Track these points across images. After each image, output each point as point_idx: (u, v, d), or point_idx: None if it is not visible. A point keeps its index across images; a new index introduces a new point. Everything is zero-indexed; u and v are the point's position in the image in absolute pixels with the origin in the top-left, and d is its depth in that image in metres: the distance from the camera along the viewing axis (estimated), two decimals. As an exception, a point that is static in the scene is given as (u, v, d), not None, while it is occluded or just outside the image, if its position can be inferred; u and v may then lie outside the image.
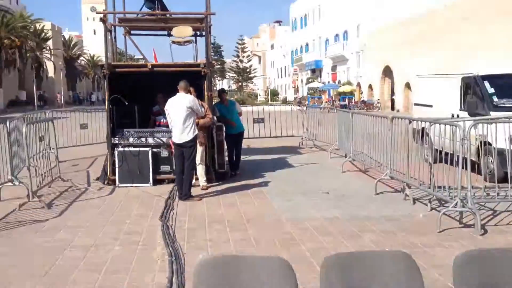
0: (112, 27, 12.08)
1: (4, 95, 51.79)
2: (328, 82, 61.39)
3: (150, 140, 10.20)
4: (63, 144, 14.84)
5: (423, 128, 10.43)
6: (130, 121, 10.85)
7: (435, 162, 7.78)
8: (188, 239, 6.39)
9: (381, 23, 48.21)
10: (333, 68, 62.42)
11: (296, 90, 75.55)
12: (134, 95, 10.77)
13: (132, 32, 13.73)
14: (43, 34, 63.43)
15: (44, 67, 63.14)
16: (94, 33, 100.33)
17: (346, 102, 49.59)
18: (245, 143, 16.26)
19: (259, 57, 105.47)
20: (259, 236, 6.48)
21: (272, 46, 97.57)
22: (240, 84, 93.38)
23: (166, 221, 7.16)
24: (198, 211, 7.90)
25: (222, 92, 11.88)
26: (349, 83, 54.77)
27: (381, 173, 9.53)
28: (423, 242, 6.09)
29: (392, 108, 45.36)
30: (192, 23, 11.82)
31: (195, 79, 10.25)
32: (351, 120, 11.52)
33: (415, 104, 13.69)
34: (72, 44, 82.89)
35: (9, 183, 8.55)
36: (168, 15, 12.18)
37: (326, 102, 48.88)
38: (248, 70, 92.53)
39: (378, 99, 47.63)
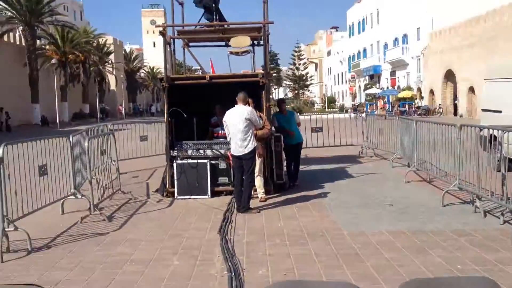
0: (171, 39, 12.17)
1: (69, 108, 53.67)
2: (387, 87, 60.18)
3: (208, 152, 10.16)
4: (123, 156, 15.08)
5: (492, 136, 9.90)
6: (188, 133, 10.88)
7: (508, 171, 7.32)
8: (247, 253, 6.25)
9: (442, 24, 46.91)
10: (392, 73, 61.16)
11: (354, 97, 74.54)
12: (192, 107, 10.79)
13: (191, 44, 13.86)
14: (106, 48, 65.47)
15: (106, 80, 65.08)
16: (154, 46, 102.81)
17: (406, 108, 48.37)
18: (303, 153, 16.13)
19: (316, 64, 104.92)
20: (320, 250, 6.25)
21: (329, 53, 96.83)
22: (296, 92, 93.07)
23: (224, 235, 7.05)
24: (257, 224, 7.75)
25: (281, 102, 11.74)
26: (409, 88, 53.44)
27: (447, 184, 9.11)
28: (498, 259, 5.69)
29: (455, 113, 43.91)
30: (250, 33, 11.75)
31: (253, 89, 10.17)
32: (415, 128, 11.10)
33: (483, 110, 13.07)
34: (133, 57, 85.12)
35: (72, 196, 8.68)
36: (226, 26, 12.17)
37: (381, 108, 47.73)
38: (304, 77, 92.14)
39: (440, 104, 46.24)
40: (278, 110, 11.47)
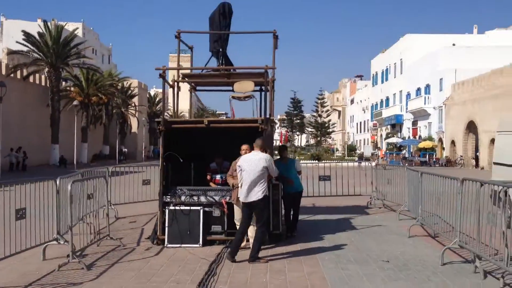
0: (175, 83, 12.03)
1: (88, 149, 54.11)
2: (408, 137, 59.57)
3: (202, 199, 9.81)
4: (125, 200, 14.88)
5: (506, 192, 9.36)
6: (186, 178, 10.60)
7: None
8: (221, 312, 5.80)
9: (465, 75, 46.60)
10: (414, 123, 60.62)
11: (375, 146, 73.88)
12: (191, 151, 10.55)
13: (198, 88, 13.74)
14: (130, 91, 66.47)
15: (128, 122, 65.78)
16: (180, 90, 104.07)
17: (427, 159, 47.61)
18: (310, 202, 15.71)
19: (339, 112, 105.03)
20: (299, 312, 5.78)
21: (352, 101, 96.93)
22: (318, 139, 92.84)
23: (202, 289, 6.62)
24: (242, 277, 7.31)
25: (283, 149, 11.42)
26: (430, 138, 52.73)
27: (450, 240, 8.56)
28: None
29: (477, 165, 43.00)
30: (256, 78, 11.58)
31: (253, 135, 9.88)
32: (419, 180, 10.63)
33: (494, 163, 12.55)
34: (156, 100, 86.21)
35: (54, 242, 8.37)
36: (231, 70, 12.02)
37: (382, 158, 46.93)
38: (326, 125, 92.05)
39: (461, 156, 45.38)
40: (279, 157, 11.14)
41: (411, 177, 11.81)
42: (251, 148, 9.27)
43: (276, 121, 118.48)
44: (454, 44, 55.14)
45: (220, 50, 12.01)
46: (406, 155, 52.84)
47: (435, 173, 9.87)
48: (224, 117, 61.11)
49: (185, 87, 13.30)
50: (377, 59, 79.55)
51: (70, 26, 61.12)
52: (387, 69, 73.46)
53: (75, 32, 50.46)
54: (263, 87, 12.43)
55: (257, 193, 8.33)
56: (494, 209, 6.99)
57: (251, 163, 8.44)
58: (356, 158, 47.25)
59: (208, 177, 10.54)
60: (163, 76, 10.35)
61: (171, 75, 15.88)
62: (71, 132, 44.26)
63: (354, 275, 7.39)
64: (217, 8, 11.49)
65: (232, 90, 12.29)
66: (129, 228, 11.73)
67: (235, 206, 9.26)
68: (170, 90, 11.96)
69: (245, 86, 11.35)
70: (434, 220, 9.90)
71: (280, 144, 12.68)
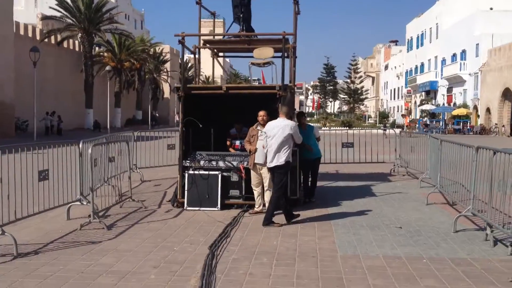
0: (196, 49, 12.13)
1: (122, 114, 55.03)
2: (443, 104, 58.52)
3: (221, 164, 10.01)
4: (151, 164, 15.24)
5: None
6: (206, 143, 10.79)
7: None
8: (227, 271, 6.03)
9: (502, 41, 45.27)
10: (449, 90, 59.44)
11: (409, 112, 72.83)
12: (211, 117, 10.71)
13: (221, 54, 13.83)
14: (162, 57, 66.84)
15: (161, 88, 66.38)
16: (211, 56, 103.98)
17: (461, 126, 46.79)
18: (333, 168, 15.80)
19: (373, 78, 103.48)
20: (304, 273, 5.96)
21: (386, 67, 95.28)
22: (351, 105, 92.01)
23: (214, 250, 6.85)
24: (253, 240, 7.52)
25: (300, 115, 11.45)
26: (464, 105, 51.68)
27: (466, 207, 8.57)
28: (488, 294, 5.24)
29: (511, 133, 42.09)
30: (277, 44, 11.57)
31: (272, 101, 9.97)
32: (439, 148, 10.58)
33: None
34: (188, 66, 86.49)
35: (77, 202, 8.73)
36: (253, 37, 12.04)
37: (407, 126, 46.17)
38: (359, 91, 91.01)
39: (496, 124, 44.44)
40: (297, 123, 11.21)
41: (433, 144, 11.75)
42: (268, 115, 9.38)
43: (309, 87, 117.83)
44: (491, 8, 53.34)
45: (241, 15, 12.04)
46: (428, 122, 51.95)
47: (453, 141, 9.81)
48: (257, 83, 61.24)
49: (208, 53, 13.41)
50: (412, 23, 77.68)
51: (102, -9, 61.49)
52: (422, 34, 71.77)
53: (108, -3, 50.81)
54: (285, 54, 12.43)
55: (280, 159, 8.47)
56: (505, 176, 6.96)
57: (277, 130, 8.56)
58: (382, 126, 46.66)
59: (228, 142, 10.72)
60: (182, 42, 10.45)
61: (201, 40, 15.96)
62: (104, 97, 45.04)
63: (364, 240, 7.51)
64: (237, -27, 11.46)
65: (253, 57, 12.34)
66: (152, 191, 12.07)
67: (252, 171, 9.43)
68: (203, 55, 12.08)
69: (265, 53, 11.37)
70: (453, 188, 9.88)
71: (298, 111, 12.69)
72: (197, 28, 12.19)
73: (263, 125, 9.33)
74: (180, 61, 79.26)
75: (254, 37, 11.98)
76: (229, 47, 12.74)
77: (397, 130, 18.03)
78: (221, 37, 13.21)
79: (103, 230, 8.02)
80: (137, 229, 8.20)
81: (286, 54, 12.24)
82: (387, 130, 20.72)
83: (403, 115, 59.77)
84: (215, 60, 13.22)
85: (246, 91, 10.65)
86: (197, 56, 12.28)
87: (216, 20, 31.23)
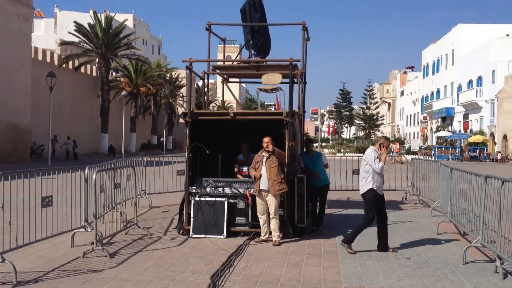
0: (205, 74, 12.16)
1: (137, 139, 55.35)
2: (459, 131, 57.98)
3: (227, 190, 9.92)
4: (161, 190, 15.18)
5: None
6: (213, 169, 10.70)
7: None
8: (227, 303, 5.90)
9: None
10: (465, 117, 58.96)
11: (425, 139, 72.31)
12: (218, 143, 10.65)
13: (230, 80, 13.84)
14: (178, 82, 67.35)
15: (176, 112, 66.74)
16: (228, 81, 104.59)
17: (477, 154, 46.23)
18: (345, 195, 15.61)
19: (388, 104, 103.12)
20: (305, 306, 5.80)
21: (402, 93, 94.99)
22: (367, 131, 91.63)
23: (215, 280, 6.72)
24: (257, 270, 7.38)
25: (309, 142, 11.37)
26: (481, 132, 51.15)
27: (476, 237, 8.35)
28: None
29: (529, 161, 41.48)
30: (286, 70, 11.54)
31: (279, 127, 9.91)
32: (449, 176, 10.39)
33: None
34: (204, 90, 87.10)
35: (82, 229, 8.68)
36: (261, 63, 12.05)
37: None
38: (375, 117, 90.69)
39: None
40: (305, 150, 11.13)
41: (444, 172, 11.56)
42: (273, 141, 9.30)
43: (324, 112, 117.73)
44: (507, 35, 53.19)
45: (251, 41, 12.09)
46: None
47: (463, 169, 9.63)
48: (272, 109, 61.27)
49: (221, 78, 13.43)
50: (428, 49, 77.60)
51: (120, 17, 62.55)
52: (438, 60, 71.60)
53: (125, 23, 51.62)
54: (294, 80, 12.41)
55: (362, 187, 8.64)
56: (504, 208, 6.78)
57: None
58: (418, 152, 45.93)
59: (236, 169, 10.63)
60: (190, 68, 10.49)
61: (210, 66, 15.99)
62: (120, 121, 45.34)
63: (370, 271, 7.34)
64: (246, 0, 11.54)
65: (261, 83, 12.34)
66: (160, 218, 12.00)
67: (257, 198, 9.32)
68: (219, 81, 12.14)
69: (272, 79, 11.39)
70: (464, 218, 9.66)
71: (306, 137, 12.61)
72: (215, 53, 12.27)
73: (268, 152, 9.26)
74: (197, 86, 79.68)
75: (263, 63, 12.00)
76: (238, 72, 12.76)
77: (409, 157, 17.77)
78: (230, 63, 13.26)
79: (106, 258, 7.94)
80: (140, 257, 8.10)
81: (294, 80, 12.25)
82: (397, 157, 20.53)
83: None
84: (226, 85, 13.25)
85: (253, 117, 10.60)
86: (206, 81, 12.33)
87: (232, 45, 31.36)
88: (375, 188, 8.48)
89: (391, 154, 41.20)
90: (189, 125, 10.16)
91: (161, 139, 59.47)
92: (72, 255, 8.12)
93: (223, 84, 13.47)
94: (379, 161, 8.45)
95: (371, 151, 8.64)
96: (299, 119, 11.32)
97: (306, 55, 12.26)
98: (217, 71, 12.64)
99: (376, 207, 8.59)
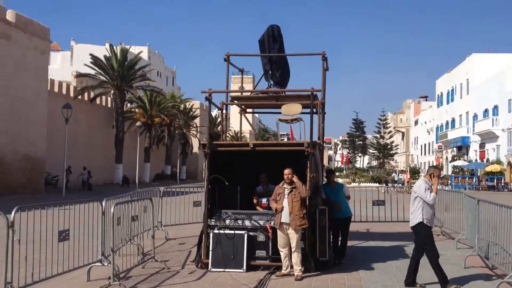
0: (224, 105, 12.04)
1: (151, 169, 55.36)
2: (476, 160, 57.33)
3: (247, 223, 9.67)
4: (176, 222, 14.95)
5: None
6: (232, 201, 10.46)
7: None
8: None
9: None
10: (482, 146, 58.34)
11: (441, 168, 71.54)
12: (237, 175, 10.44)
13: (248, 110, 13.71)
14: (191, 112, 67.66)
15: (190, 143, 66.86)
16: (239, 112, 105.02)
17: (494, 183, 45.55)
18: (364, 227, 15.27)
19: (402, 133, 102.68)
20: None
21: (416, 122, 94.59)
22: (381, 161, 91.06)
23: (238, 318, 6.44)
24: (280, 307, 7.08)
25: (330, 173, 11.14)
26: (498, 162, 50.48)
27: (507, 271, 8.01)
28: None
29: (549, 190, 40.70)
30: (305, 100, 11.39)
31: (299, 158, 9.70)
32: (476, 208, 10.07)
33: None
34: (217, 121, 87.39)
35: (98, 263, 8.46)
36: (280, 93, 11.92)
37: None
38: (389, 146, 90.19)
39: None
40: (326, 181, 10.89)
41: (468, 203, 11.23)
42: (295, 172, 9.09)
43: (338, 142, 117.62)
44: (523, 63, 52.87)
45: (270, 72, 11.98)
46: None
47: (492, 201, 9.32)
48: (285, 139, 61.30)
49: (236, 108, 13.33)
50: (442, 79, 77.46)
51: (136, 50, 63.33)
52: (452, 90, 71.35)
53: (140, 55, 52.23)
54: (314, 110, 12.24)
55: (412, 220, 8.32)
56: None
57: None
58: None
59: (255, 200, 10.40)
60: (209, 99, 10.37)
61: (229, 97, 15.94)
62: (134, 152, 45.42)
63: (399, 309, 7.01)
64: (266, 30, 11.47)
65: (281, 113, 12.17)
66: (177, 250, 11.74)
67: (278, 231, 9.06)
68: (232, 112, 12.03)
69: (293, 109, 11.21)
70: (493, 251, 9.31)
71: (327, 168, 12.36)
72: (229, 84, 12.13)
73: (289, 184, 9.05)
74: (208, 117, 79.79)
75: (282, 93, 11.86)
76: (257, 103, 12.62)
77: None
78: (249, 93, 13.15)
79: (123, 293, 7.69)
80: (158, 292, 7.85)
81: (314, 110, 12.05)
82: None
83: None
84: (243, 116, 13.10)
85: (273, 148, 10.42)
86: (224, 112, 12.20)
87: (245, 76, 31.20)
88: (426, 222, 8.16)
89: (402, 184, 40.79)
90: (208, 156, 9.99)
91: (174, 169, 59.40)
92: (89, 290, 7.88)
93: (240, 115, 13.33)
94: (430, 192, 8.12)
95: (421, 182, 8.35)
96: (320, 150, 11.11)
97: (325, 84, 12.12)
98: (235, 101, 12.51)
99: (429, 238, 8.26)
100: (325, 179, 11.30)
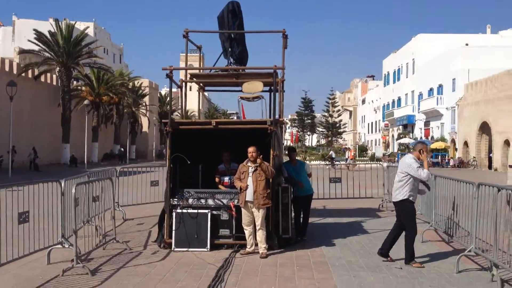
0: (183, 83, 11.82)
1: (99, 148, 54.19)
2: (420, 138, 59.02)
3: (210, 202, 9.59)
4: (133, 201, 14.68)
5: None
6: (194, 180, 10.33)
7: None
8: (226, 322, 5.58)
9: (478, 76, 46.04)
10: (426, 124, 60.09)
11: (387, 146, 73.39)
12: (198, 153, 10.31)
13: (207, 88, 13.52)
14: (140, 91, 66.42)
15: (139, 122, 65.77)
16: (190, 90, 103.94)
17: (439, 160, 47.10)
18: (321, 204, 15.46)
19: (350, 112, 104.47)
20: (308, 323, 5.54)
21: (363, 101, 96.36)
22: (329, 139, 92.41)
23: (209, 297, 6.41)
24: (249, 284, 7.09)
25: (291, 150, 11.14)
26: (442, 139, 52.21)
27: (466, 246, 8.28)
28: None
29: (489, 166, 42.46)
30: (265, 78, 11.32)
31: (263, 136, 9.65)
32: (433, 184, 10.33)
33: (510, 166, 12.22)
34: (167, 100, 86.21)
35: (59, 245, 8.20)
36: (240, 70, 11.78)
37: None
38: (337, 125, 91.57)
39: (474, 157, 44.84)
40: (288, 159, 10.91)
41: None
42: (258, 150, 9.05)
43: (287, 121, 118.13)
44: (467, 44, 54.49)
45: (229, 49, 11.81)
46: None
47: (449, 177, 9.59)
48: (235, 117, 61.03)
49: (195, 86, 13.12)
50: (389, 59, 78.99)
51: (81, 26, 61.31)
52: (399, 69, 72.90)
53: (86, 32, 50.56)
54: (272, 87, 12.19)
55: (396, 196, 8.32)
56: (511, 215, 6.70)
57: (399, 164, 8.53)
58: (382, 159, 45.63)
59: (217, 179, 10.31)
60: (170, 76, 10.13)
61: (181, 74, 15.71)
62: (82, 131, 44.34)
63: (365, 282, 7.15)
64: (225, 6, 11.27)
65: (241, 91, 12.07)
66: (136, 231, 11.56)
67: (243, 209, 9.04)
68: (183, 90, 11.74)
69: (254, 87, 11.13)
70: (448, 225, 9.60)
71: (289, 145, 12.37)
72: (177, 62, 11.94)
73: (253, 162, 9.01)
74: (160, 95, 78.24)
75: (242, 71, 11.73)
76: (217, 81, 12.46)
77: (385, 164, 17.80)
78: (208, 71, 12.95)
79: (87, 275, 7.49)
80: (123, 274, 7.69)
81: (273, 88, 12.02)
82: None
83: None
84: (203, 93, 12.93)
85: (236, 126, 10.33)
86: (183, 90, 11.98)
87: (194, 54, 30.53)
88: (412, 199, 8.24)
89: (346, 161, 41.38)
90: (170, 135, 9.80)
91: (121, 148, 58.31)
92: (50, 273, 7.64)
93: (199, 93, 13.15)
94: (423, 169, 8.14)
95: (411, 161, 8.20)
96: (281, 128, 11.10)
97: (284, 63, 12.06)
98: (194, 79, 12.31)
99: (412, 215, 8.33)
100: (286, 157, 11.31)
